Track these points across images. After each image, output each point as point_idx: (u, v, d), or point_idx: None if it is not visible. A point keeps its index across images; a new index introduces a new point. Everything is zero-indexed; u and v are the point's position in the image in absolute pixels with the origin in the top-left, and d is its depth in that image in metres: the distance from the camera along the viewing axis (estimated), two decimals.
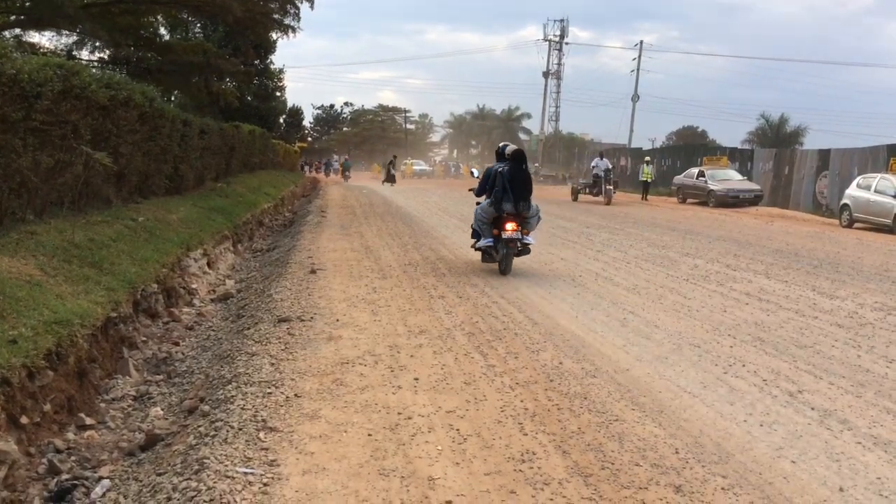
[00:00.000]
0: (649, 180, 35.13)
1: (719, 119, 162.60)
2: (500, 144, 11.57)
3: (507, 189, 10.34)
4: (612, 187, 29.18)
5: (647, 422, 4.82)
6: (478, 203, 11.08)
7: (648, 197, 34.08)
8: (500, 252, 10.33)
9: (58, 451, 4.85)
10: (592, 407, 5.06)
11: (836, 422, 4.96)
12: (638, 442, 4.47)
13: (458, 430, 4.56)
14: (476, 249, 10.90)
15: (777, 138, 56.12)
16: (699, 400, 5.30)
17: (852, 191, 22.86)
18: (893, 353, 6.83)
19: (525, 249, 10.54)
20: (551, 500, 3.72)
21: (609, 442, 4.46)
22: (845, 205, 23.01)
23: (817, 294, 9.70)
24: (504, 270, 10.29)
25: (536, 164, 66.59)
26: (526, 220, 10.48)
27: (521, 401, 5.13)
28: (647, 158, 37.04)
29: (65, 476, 4.55)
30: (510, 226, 10.19)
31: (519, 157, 10.69)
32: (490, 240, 10.45)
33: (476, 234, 10.90)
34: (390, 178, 42.56)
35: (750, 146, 52.17)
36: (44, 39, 22.35)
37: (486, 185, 10.75)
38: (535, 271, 10.79)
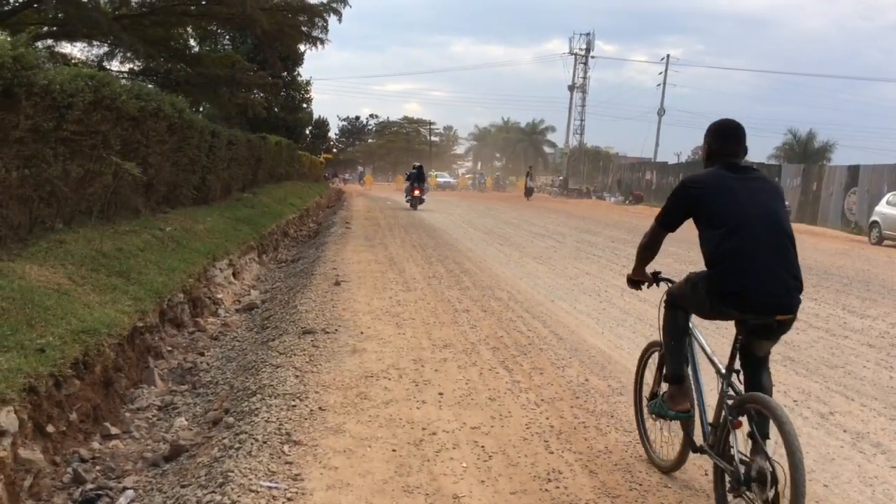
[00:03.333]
0: None
1: (746, 133, 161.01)
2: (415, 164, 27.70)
3: (415, 178, 28.86)
4: None
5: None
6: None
7: None
8: (413, 201, 28.40)
9: (83, 460, 4.86)
10: (619, 426, 4.99)
11: (869, 445, 4.86)
12: None
13: (483, 447, 4.52)
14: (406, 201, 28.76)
15: (805, 154, 55.56)
16: None
17: (882, 208, 22.56)
18: None
19: (422, 200, 28.76)
20: None
21: (637, 462, 4.39)
22: (875, 222, 22.71)
23: (847, 313, 9.55)
24: (414, 207, 28.06)
25: (561, 178, 66.40)
26: (423, 190, 29.21)
27: (547, 418, 5.08)
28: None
29: (89, 486, 4.55)
30: (416, 192, 28.40)
31: (420, 169, 29.69)
32: (409, 198, 29.14)
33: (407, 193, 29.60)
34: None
35: (777, 161, 51.71)
36: (75, 50, 22.68)
37: (408, 179, 29.89)
38: (560, 286, 10.72)
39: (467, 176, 76.97)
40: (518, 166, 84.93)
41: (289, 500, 3.73)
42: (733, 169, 3.79)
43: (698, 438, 3.91)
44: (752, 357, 3.77)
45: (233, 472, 3.99)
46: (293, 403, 5.13)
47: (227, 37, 34.94)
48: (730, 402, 3.63)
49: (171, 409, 6.06)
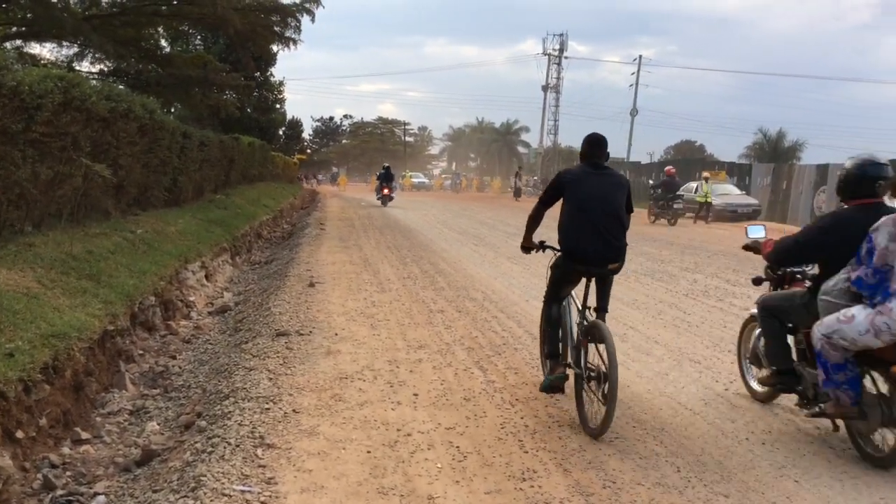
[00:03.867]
0: (707, 201, 27.98)
1: (717, 133, 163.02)
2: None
3: (384, 178, 31.71)
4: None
5: (649, 439, 4.78)
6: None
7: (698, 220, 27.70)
8: (383, 199, 31.21)
9: (53, 465, 4.80)
10: None
11: (839, 440, 4.92)
12: (640, 460, 4.43)
13: (457, 447, 4.52)
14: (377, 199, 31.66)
15: (775, 153, 56.15)
16: (700, 417, 5.26)
17: None
18: None
19: (391, 197, 31.38)
20: None
21: (611, 460, 4.41)
22: None
23: None
24: (384, 204, 30.93)
25: (535, 178, 66.57)
26: (392, 189, 32.05)
27: (522, 417, 5.09)
28: (707, 175, 29.87)
29: (60, 491, 4.50)
30: (385, 190, 31.16)
31: (388, 170, 32.41)
32: (379, 196, 31.65)
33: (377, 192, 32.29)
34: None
35: (748, 160, 52.25)
36: (44, 51, 22.35)
37: (378, 179, 32.96)
38: (535, 285, 10.76)
39: (443, 176, 76.98)
40: (492, 167, 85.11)
41: (262, 503, 3.71)
42: (594, 167, 5.37)
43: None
44: (600, 296, 5.36)
45: (205, 476, 3.96)
46: (267, 406, 5.10)
47: (199, 37, 34.63)
48: (583, 328, 5.17)
49: (143, 414, 6.00)
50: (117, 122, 10.07)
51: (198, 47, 33.66)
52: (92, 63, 22.78)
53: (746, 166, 38.77)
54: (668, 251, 16.35)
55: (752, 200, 30.86)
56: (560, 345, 5.38)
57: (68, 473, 4.78)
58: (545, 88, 70.95)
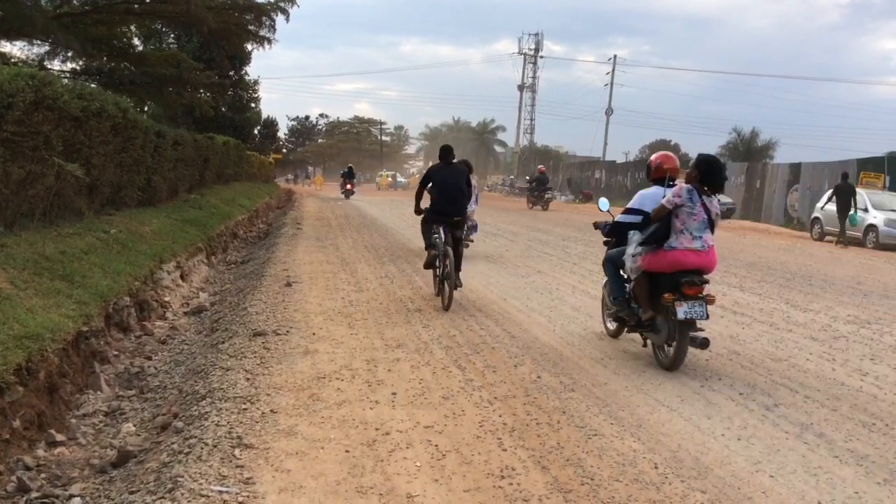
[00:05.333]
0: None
1: (691, 132, 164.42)
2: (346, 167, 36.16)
3: (347, 176, 39.13)
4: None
5: (626, 436, 4.82)
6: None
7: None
8: (346, 193, 38.65)
9: (27, 468, 4.74)
10: (571, 421, 5.05)
11: (813, 436, 4.99)
12: (617, 457, 4.46)
13: (436, 445, 4.53)
14: (341, 193, 39.05)
15: (748, 152, 56.77)
16: (677, 414, 5.30)
17: (823, 204, 23.15)
18: (867, 366, 6.89)
19: (353, 192, 38.78)
20: None
21: (588, 457, 4.44)
22: (816, 218, 23.31)
23: (791, 307, 9.79)
24: (347, 197, 37.58)
25: (512, 177, 66.74)
26: (353, 184, 39.33)
27: (500, 415, 5.11)
28: None
29: (34, 494, 4.44)
30: (348, 186, 38.80)
31: (350, 169, 40.47)
32: (343, 191, 38.97)
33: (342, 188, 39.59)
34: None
35: (722, 160, 52.67)
36: (15, 49, 22.05)
37: (342, 177, 40.27)
38: (512, 284, 10.79)
39: (418, 175, 77.04)
40: None
41: (240, 503, 3.69)
42: (446, 164, 9.56)
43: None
44: (453, 238, 9.13)
45: (182, 477, 3.93)
46: (244, 406, 5.08)
47: (173, 35, 34.36)
48: (441, 250, 8.91)
49: (119, 415, 5.95)
50: (90, 121, 9.95)
51: (171, 46, 33.40)
52: (63, 62, 22.54)
53: None
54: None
55: (726, 199, 31.18)
56: (436, 260, 9.18)
57: (43, 475, 4.72)
58: (521, 88, 71.33)
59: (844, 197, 21.17)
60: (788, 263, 15.18)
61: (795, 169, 30.54)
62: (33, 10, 17.11)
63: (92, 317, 6.96)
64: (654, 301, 6.50)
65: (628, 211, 6.97)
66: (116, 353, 7.42)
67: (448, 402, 5.36)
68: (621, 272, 7.08)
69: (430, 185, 9.44)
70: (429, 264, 9.23)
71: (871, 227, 20.96)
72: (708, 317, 6.26)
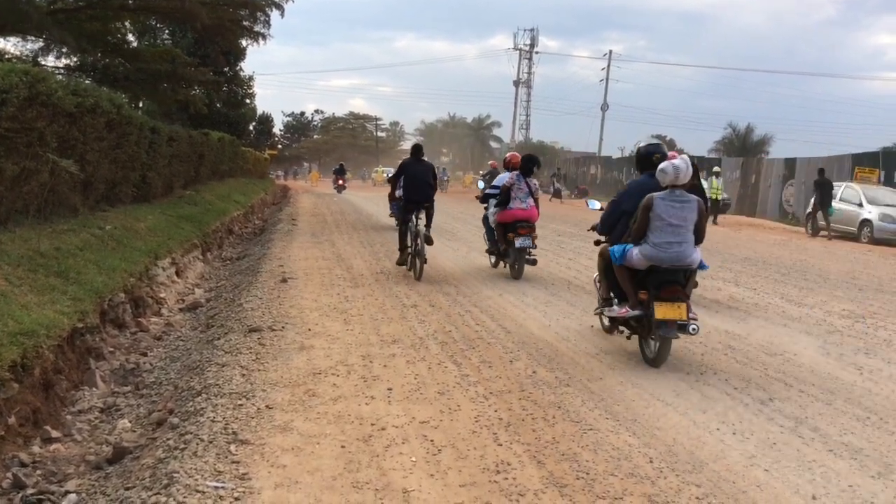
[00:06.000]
0: (719, 198, 26.61)
1: (687, 128, 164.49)
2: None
3: (338, 172, 42.42)
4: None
5: (622, 431, 4.83)
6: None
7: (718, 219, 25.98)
8: (338, 188, 40.66)
9: (23, 464, 4.74)
10: (567, 416, 5.05)
11: (808, 430, 5.00)
12: (612, 451, 4.47)
13: (432, 440, 4.53)
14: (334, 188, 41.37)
15: (743, 147, 56.84)
16: (672, 408, 5.31)
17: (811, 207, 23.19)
18: (862, 360, 6.92)
19: (344, 187, 40.60)
20: None
21: (584, 452, 4.45)
22: (811, 213, 23.34)
23: (786, 302, 9.81)
24: (339, 192, 39.56)
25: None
26: (345, 180, 41.41)
27: (496, 410, 5.11)
28: (717, 169, 28.75)
29: (30, 490, 4.44)
30: (340, 182, 40.96)
31: (342, 166, 43.36)
32: (335, 186, 41.08)
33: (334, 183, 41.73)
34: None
35: (717, 155, 52.77)
36: (9, 45, 21.99)
37: (334, 173, 41.37)
38: (508, 279, 10.79)
39: None
40: (464, 162, 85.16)
41: (236, 499, 3.69)
42: (417, 159, 11.39)
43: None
44: (424, 217, 10.98)
45: (178, 472, 3.93)
46: (240, 402, 5.08)
47: (167, 31, 34.22)
48: (414, 231, 10.68)
49: (114, 411, 5.95)
50: (84, 118, 9.94)
51: (166, 42, 33.26)
52: (58, 58, 22.46)
53: (716, 160, 39.20)
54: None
55: (722, 194, 31.18)
56: (407, 240, 11.05)
57: (39, 472, 4.72)
58: (516, 83, 71.35)
59: (823, 191, 22.26)
60: (783, 258, 15.22)
61: (790, 164, 30.59)
62: (28, 5, 17.02)
63: (87, 313, 6.96)
64: (507, 239, 10.68)
65: (493, 186, 11.37)
66: (112, 349, 7.41)
67: (444, 397, 5.36)
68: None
69: (403, 176, 11.24)
70: (401, 263, 11.33)
71: (866, 222, 21.02)
72: (535, 246, 10.63)
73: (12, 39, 21.45)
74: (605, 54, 67.70)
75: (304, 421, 4.79)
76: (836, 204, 22.09)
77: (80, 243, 8.92)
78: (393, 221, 16.39)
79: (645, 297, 6.28)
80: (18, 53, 21.63)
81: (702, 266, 6.78)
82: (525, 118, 72.68)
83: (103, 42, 22.02)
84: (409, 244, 10.91)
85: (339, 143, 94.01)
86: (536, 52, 71.42)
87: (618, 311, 6.63)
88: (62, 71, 21.42)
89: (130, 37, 27.23)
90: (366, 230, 18.17)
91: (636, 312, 6.38)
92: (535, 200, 10.93)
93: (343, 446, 4.39)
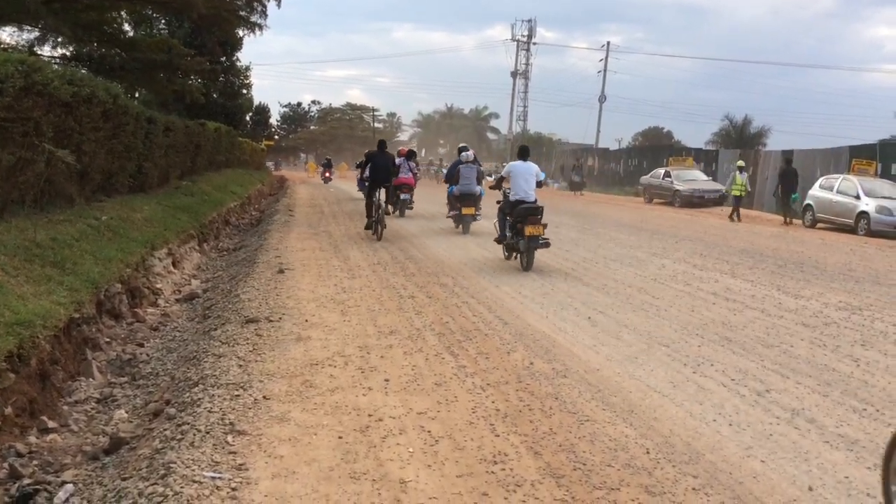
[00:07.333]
0: (742, 195, 25.34)
1: (685, 120, 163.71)
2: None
3: (326, 165, 46.69)
4: None
5: (618, 422, 4.83)
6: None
7: (740, 216, 24.58)
8: (325, 179, 44.71)
9: (19, 455, 4.74)
10: (564, 407, 5.06)
11: (804, 421, 5.01)
12: (609, 442, 4.48)
13: (429, 431, 4.53)
14: (322, 179, 45.38)
15: (741, 139, 56.72)
16: (669, 399, 5.32)
17: (815, 191, 23.17)
18: (858, 352, 6.93)
19: (330, 179, 44.52)
20: (524, 501, 3.70)
21: (581, 442, 4.45)
22: (808, 205, 23.32)
23: (782, 293, 9.82)
24: (326, 182, 43.47)
25: (506, 164, 66.45)
26: (331, 173, 45.81)
27: (493, 402, 5.12)
28: (741, 163, 27.18)
29: (27, 480, 4.44)
30: (327, 174, 44.98)
31: (329, 160, 47.93)
32: (323, 178, 45.58)
33: (321, 176, 46.44)
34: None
35: (715, 147, 52.73)
36: (4, 35, 21.88)
37: (322, 166, 48.31)
38: (504, 271, 10.79)
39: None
40: None
41: (233, 489, 3.69)
42: (381, 151, 15.51)
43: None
44: (393, 197, 18.33)
45: (175, 463, 3.93)
46: (237, 393, 5.07)
47: (163, 21, 34.06)
48: (376, 204, 14.41)
49: (111, 402, 5.94)
50: (80, 107, 9.90)
51: (162, 31, 33.12)
52: (54, 47, 22.38)
53: (713, 152, 39.17)
54: (637, 236, 16.49)
55: (718, 186, 31.22)
56: (372, 211, 14.46)
57: (35, 462, 4.72)
58: (514, 75, 71.10)
59: (788, 180, 24.17)
60: (780, 250, 15.22)
61: (788, 156, 30.55)
62: None
63: (83, 304, 6.95)
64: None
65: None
66: (108, 339, 7.41)
67: (441, 388, 5.37)
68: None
69: (370, 163, 15.26)
70: (367, 227, 15.15)
71: (863, 215, 21.01)
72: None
73: (8, 29, 21.36)
74: (603, 46, 67.49)
75: (301, 412, 4.79)
76: (831, 196, 22.09)
77: (76, 234, 8.90)
78: (362, 195, 19.28)
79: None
80: (14, 43, 21.54)
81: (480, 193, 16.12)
82: (523, 109, 72.46)
83: (99, 32, 21.93)
84: (374, 214, 14.42)
85: (336, 133, 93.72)
86: (534, 44, 71.05)
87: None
88: (58, 60, 21.32)
89: (127, 26, 27.14)
90: (361, 219, 18.13)
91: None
92: (415, 175, 20.04)
93: (340, 437, 4.39)
